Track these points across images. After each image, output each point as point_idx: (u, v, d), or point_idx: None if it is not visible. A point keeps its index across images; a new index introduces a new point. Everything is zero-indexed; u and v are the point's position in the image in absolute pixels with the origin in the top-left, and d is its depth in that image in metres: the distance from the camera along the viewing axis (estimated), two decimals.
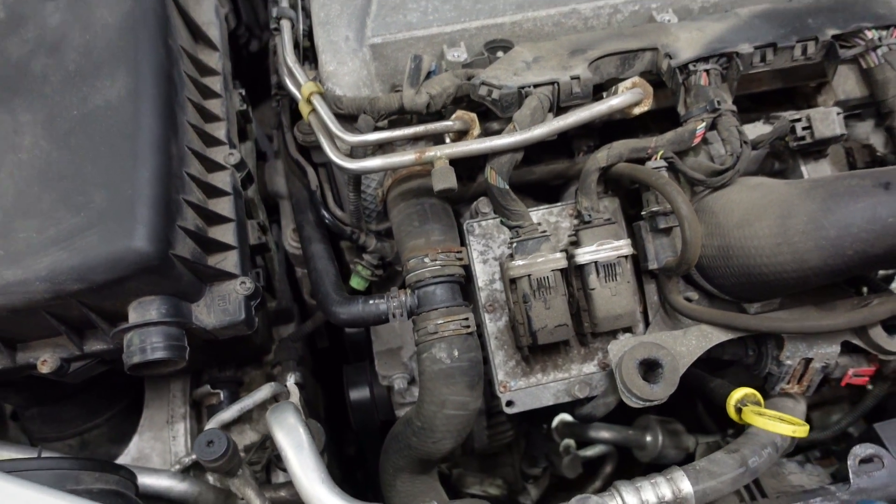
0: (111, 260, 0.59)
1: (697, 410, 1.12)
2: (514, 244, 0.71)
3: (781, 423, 0.61)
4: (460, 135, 0.72)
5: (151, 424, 0.88)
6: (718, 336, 0.70)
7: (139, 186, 0.61)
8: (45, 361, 0.66)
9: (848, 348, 0.72)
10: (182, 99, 0.70)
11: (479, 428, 0.89)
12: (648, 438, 1.01)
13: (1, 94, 0.66)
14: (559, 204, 0.77)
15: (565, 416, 1.06)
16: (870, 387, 0.97)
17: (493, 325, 0.75)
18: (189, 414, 0.88)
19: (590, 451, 1.10)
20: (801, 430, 0.62)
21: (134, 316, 0.63)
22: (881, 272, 0.90)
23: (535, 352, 0.75)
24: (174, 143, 0.66)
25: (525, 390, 0.76)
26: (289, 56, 0.75)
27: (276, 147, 0.99)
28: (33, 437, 0.85)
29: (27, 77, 0.66)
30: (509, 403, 0.76)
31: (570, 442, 1.07)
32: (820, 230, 0.61)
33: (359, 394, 0.93)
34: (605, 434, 1.02)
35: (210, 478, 0.83)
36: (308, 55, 0.83)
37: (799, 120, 0.73)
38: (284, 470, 0.77)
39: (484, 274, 0.75)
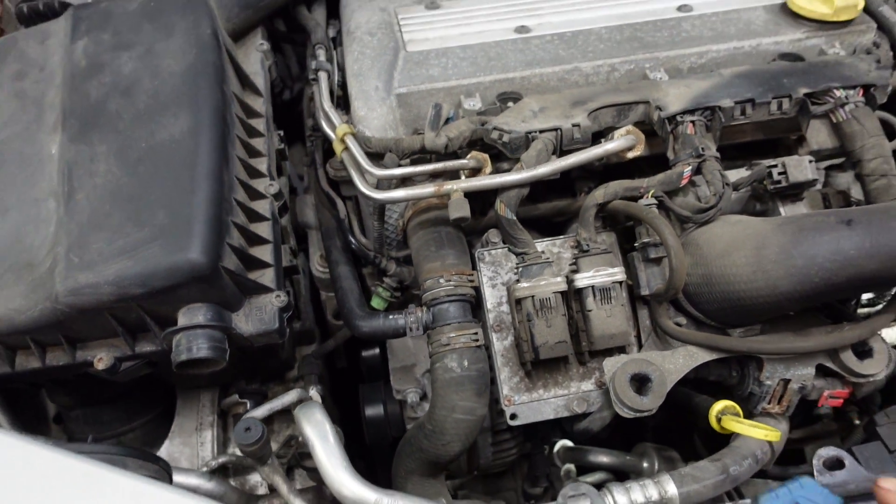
0: (170, 269, 0.68)
1: (693, 442, 1.17)
2: (520, 269, 0.80)
3: (755, 429, 0.68)
4: (474, 172, 0.82)
5: (181, 431, 0.95)
6: (703, 356, 0.77)
7: (196, 207, 0.71)
8: (101, 359, 0.74)
9: (823, 372, 0.79)
10: (232, 136, 0.81)
11: (485, 444, 0.95)
12: (645, 464, 1.06)
13: (81, 128, 0.77)
14: (561, 237, 0.85)
15: (566, 442, 1.12)
16: (857, 421, 1.03)
17: (500, 344, 0.83)
18: (216, 422, 0.96)
19: (590, 478, 1.14)
20: (772, 435, 0.68)
21: (183, 320, 0.72)
22: (864, 296, 0.97)
23: (538, 368, 0.83)
24: (225, 173, 0.76)
25: (528, 404, 0.83)
26: (325, 102, 0.86)
27: (306, 183, 1.09)
28: (74, 437, 0.92)
29: (104, 114, 0.77)
30: (513, 416, 0.82)
31: (570, 467, 1.12)
32: (789, 259, 0.70)
33: (373, 410, 1.00)
34: (604, 459, 1.07)
35: (232, 482, 0.91)
36: (340, 103, 0.94)
37: (775, 166, 0.82)
38: (307, 469, 0.84)
39: (492, 297, 0.84)
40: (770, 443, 0.74)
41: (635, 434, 1.10)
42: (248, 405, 0.94)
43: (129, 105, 0.78)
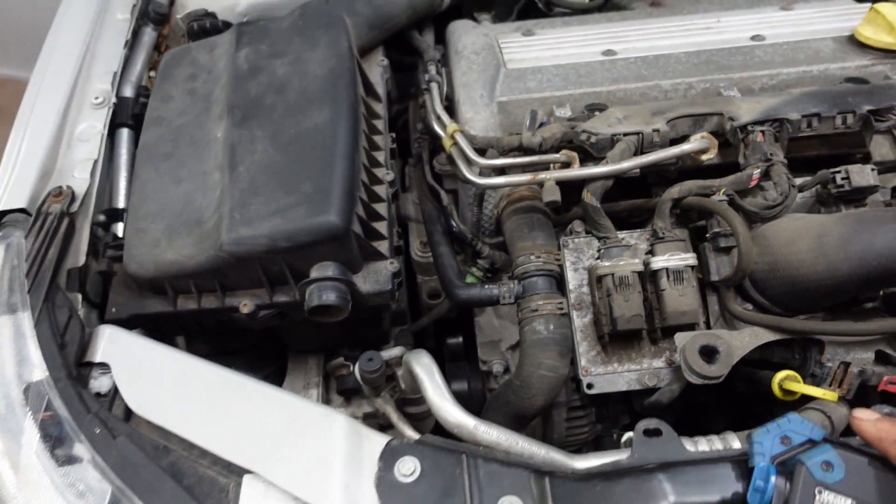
0: (312, 228, 0.83)
1: None
2: (602, 251, 0.91)
3: (815, 388, 0.76)
4: (564, 166, 0.94)
5: (290, 388, 1.08)
6: (767, 336, 0.85)
7: (334, 180, 0.86)
8: (246, 305, 0.89)
9: (884, 360, 0.86)
10: (360, 129, 0.97)
11: (559, 419, 1.05)
12: None
13: (243, 117, 0.94)
14: (638, 230, 0.96)
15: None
16: None
17: (580, 321, 0.94)
18: (321, 383, 1.09)
19: None
20: (830, 395, 0.76)
21: (315, 273, 0.86)
22: None
23: (613, 344, 0.92)
24: (356, 157, 0.91)
25: (603, 376, 0.93)
26: (438, 106, 1.02)
27: (407, 183, 1.24)
28: None
29: (261, 107, 0.95)
30: (589, 385, 0.92)
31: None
32: (849, 245, 0.78)
33: (458, 385, 1.11)
34: None
35: None
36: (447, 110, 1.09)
37: (839, 171, 0.91)
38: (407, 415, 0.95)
39: (574, 279, 0.95)
40: (830, 418, 0.81)
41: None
42: (351, 367, 1.07)
43: (281, 100, 0.95)
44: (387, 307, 1.01)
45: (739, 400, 1.02)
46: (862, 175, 0.90)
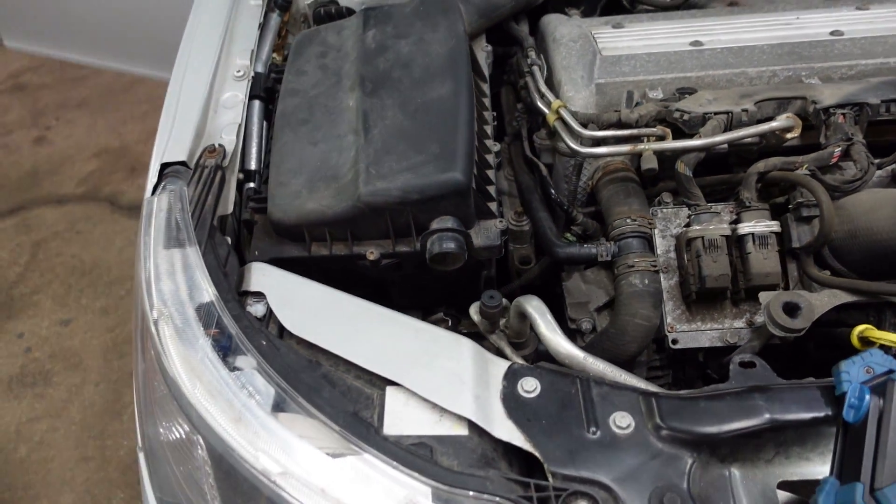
0: (440, 182, 0.94)
1: None
2: (693, 216, 1.01)
3: (893, 334, 0.84)
4: (658, 140, 1.05)
5: None
6: (845, 297, 0.94)
7: (458, 142, 0.97)
8: (373, 252, 1.01)
9: None
10: (474, 102, 1.08)
11: (640, 376, 1.14)
12: None
13: (374, 88, 1.07)
14: (723, 203, 1.06)
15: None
16: None
17: (667, 283, 1.04)
18: None
19: None
20: None
21: (436, 225, 0.98)
22: None
23: (698, 304, 1.02)
24: (473, 126, 1.03)
25: (687, 333, 1.02)
26: (542, 85, 1.13)
27: (500, 160, 1.35)
28: None
29: (389, 79, 1.07)
30: (674, 341, 1.02)
31: None
32: None
33: None
34: None
35: None
36: None
37: None
38: None
39: (662, 245, 1.05)
40: None
41: None
42: (449, 322, 1.19)
43: (407, 74, 1.07)
44: (486, 266, 1.12)
45: (806, 371, 1.11)
46: None
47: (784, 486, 0.72)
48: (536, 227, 1.11)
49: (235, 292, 0.92)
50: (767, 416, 0.73)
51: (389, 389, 0.82)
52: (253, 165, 1.16)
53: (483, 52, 1.25)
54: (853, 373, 0.71)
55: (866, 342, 0.87)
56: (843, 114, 1.02)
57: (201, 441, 0.81)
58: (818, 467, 0.73)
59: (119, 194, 3.38)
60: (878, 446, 0.64)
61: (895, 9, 1.24)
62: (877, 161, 1.00)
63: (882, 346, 0.88)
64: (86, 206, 3.29)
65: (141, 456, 0.97)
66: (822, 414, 0.72)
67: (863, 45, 1.15)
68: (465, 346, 0.84)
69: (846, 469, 0.66)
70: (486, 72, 1.23)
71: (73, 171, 3.46)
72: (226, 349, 0.86)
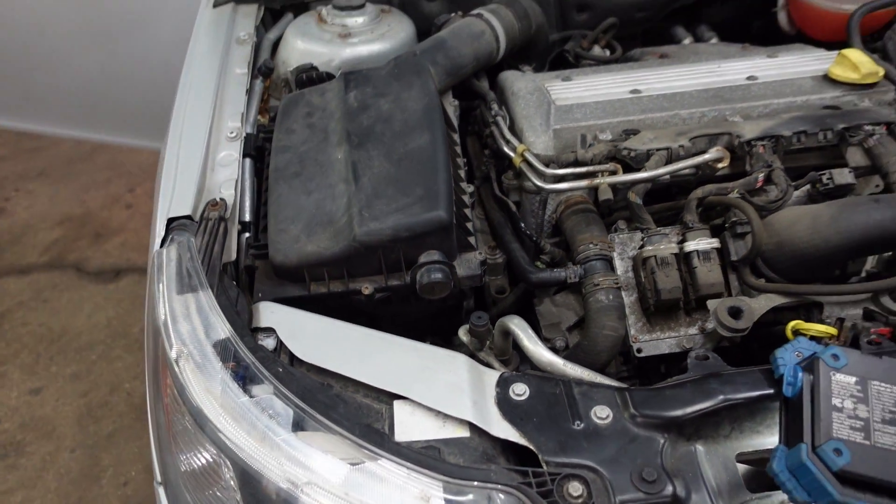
0: (426, 220, 1.07)
1: None
2: (646, 239, 1.16)
3: (818, 325, 0.99)
4: (611, 175, 1.20)
5: None
6: (778, 300, 1.09)
7: (440, 185, 1.11)
8: (367, 287, 1.12)
9: (869, 316, 1.10)
10: (449, 149, 1.23)
11: None
12: None
13: (359, 141, 1.20)
14: (670, 227, 1.21)
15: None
16: None
17: (628, 299, 1.17)
18: None
19: None
20: (830, 330, 0.99)
21: (424, 259, 1.10)
22: None
23: (656, 315, 1.16)
24: (450, 170, 1.17)
25: (649, 342, 1.16)
26: (507, 133, 1.29)
27: (472, 199, 1.49)
28: None
29: (373, 133, 1.21)
30: (638, 350, 1.15)
31: None
32: (837, 223, 1.03)
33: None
34: None
35: None
36: None
37: (825, 174, 1.17)
38: None
39: (621, 266, 1.19)
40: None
41: None
42: None
43: (388, 128, 1.21)
44: (467, 296, 1.24)
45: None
46: (842, 176, 1.17)
47: (740, 456, 0.84)
48: (510, 258, 1.25)
49: (248, 329, 1.02)
50: (721, 396, 0.86)
51: (396, 403, 0.92)
52: (248, 217, 1.27)
53: (451, 107, 1.40)
54: (786, 357, 0.85)
55: (798, 334, 1.02)
56: (763, 145, 1.20)
57: (228, 463, 0.89)
58: (767, 438, 0.86)
59: (85, 260, 3.39)
60: (813, 413, 0.77)
61: (798, 56, 1.45)
62: (794, 183, 1.18)
63: (812, 337, 1.03)
64: (51, 274, 3.29)
65: (161, 490, 1.04)
66: (766, 392, 0.86)
67: (774, 87, 1.35)
68: (461, 360, 0.96)
69: (791, 436, 0.79)
70: (455, 123, 1.38)
71: (36, 240, 3.46)
72: (244, 379, 0.95)
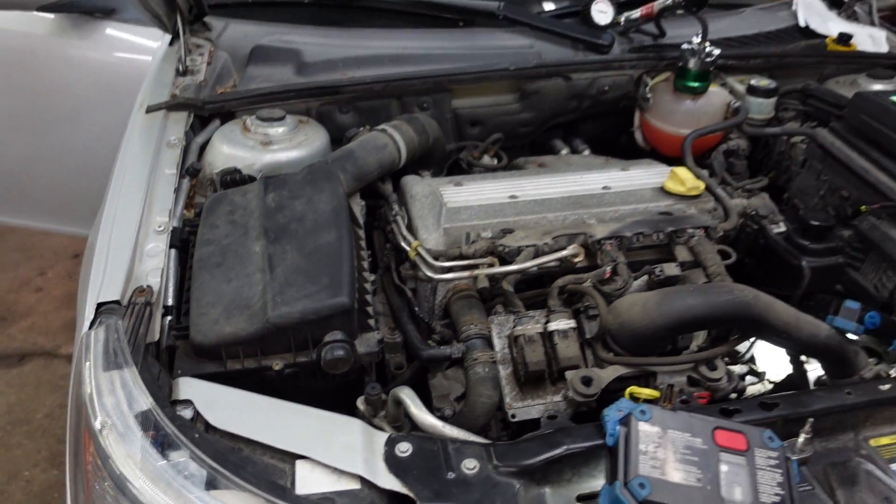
0: (330, 305, 1.26)
1: None
2: (517, 320, 1.39)
3: (646, 390, 1.23)
4: (490, 266, 1.45)
5: None
6: (622, 370, 1.34)
7: (343, 274, 1.31)
8: (277, 364, 1.29)
9: (693, 382, 1.35)
10: (353, 244, 1.44)
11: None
12: None
13: (275, 237, 1.39)
14: (538, 310, 1.46)
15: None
16: None
17: (504, 372, 1.39)
18: None
19: None
20: (653, 394, 1.23)
21: (329, 338, 1.28)
22: None
23: (527, 385, 1.38)
24: (353, 262, 1.38)
25: (521, 408, 1.36)
26: (404, 230, 1.52)
27: (374, 287, 1.70)
28: None
29: (287, 230, 1.40)
30: (513, 416, 1.36)
31: None
32: (661, 307, 1.30)
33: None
34: None
35: None
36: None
37: (657, 267, 1.46)
38: None
39: (499, 344, 1.41)
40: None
41: None
42: None
43: (301, 226, 1.41)
44: (367, 372, 1.42)
45: None
46: (670, 269, 1.46)
47: (579, 497, 1.05)
48: (406, 337, 1.45)
49: (168, 401, 1.15)
50: (564, 447, 1.07)
51: (298, 462, 1.08)
52: (171, 302, 1.42)
53: (358, 206, 1.63)
54: (611, 414, 1.08)
55: (633, 397, 1.26)
56: (610, 243, 1.48)
57: None
58: (599, 481, 1.07)
59: None
60: (625, 456, 0.99)
61: (644, 170, 1.79)
62: (634, 274, 1.46)
63: (647, 401, 1.27)
64: None
65: None
66: (598, 442, 1.07)
67: (622, 196, 1.66)
68: (356, 424, 1.13)
69: (612, 476, 1.00)
70: (361, 221, 1.60)
71: None
72: (163, 445, 1.08)
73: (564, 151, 2.20)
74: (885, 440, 1.14)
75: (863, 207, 1.63)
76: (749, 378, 1.62)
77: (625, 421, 1.03)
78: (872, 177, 1.66)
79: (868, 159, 1.70)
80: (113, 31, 2.92)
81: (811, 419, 1.06)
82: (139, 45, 2.69)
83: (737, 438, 1.00)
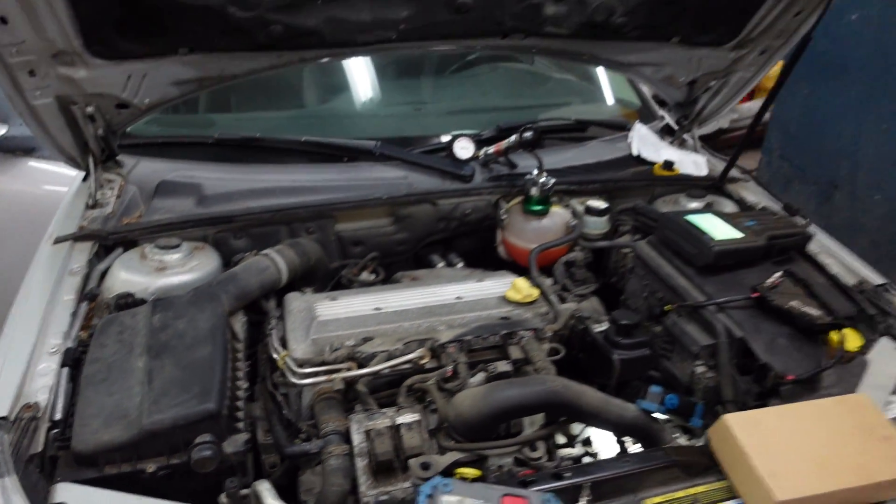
0: (199, 411, 1.46)
1: None
2: (370, 416, 1.61)
3: (468, 470, 1.45)
4: (349, 370, 1.68)
5: None
6: (458, 455, 1.56)
7: (213, 384, 1.52)
8: (151, 466, 1.46)
9: (520, 462, 1.59)
10: (228, 357, 1.66)
11: None
12: None
13: (158, 353, 1.60)
14: (390, 408, 1.68)
15: None
16: None
17: (361, 463, 1.58)
18: None
19: None
20: (472, 472, 1.45)
21: (199, 440, 1.47)
22: None
23: (380, 474, 1.58)
24: (226, 373, 1.59)
25: (374, 495, 1.56)
26: (276, 342, 1.75)
27: (248, 392, 1.89)
28: None
29: (169, 347, 1.61)
30: (367, 502, 1.55)
31: None
32: (486, 399, 1.55)
33: None
34: None
35: None
36: (283, 344, 1.82)
37: (491, 365, 1.72)
38: None
39: (357, 439, 1.61)
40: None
41: None
42: None
43: (181, 342, 1.63)
44: (238, 471, 1.60)
45: None
46: (503, 366, 1.73)
47: None
48: (274, 438, 1.64)
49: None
50: None
51: None
52: (59, 416, 1.58)
53: (239, 323, 1.86)
54: (424, 490, 1.30)
55: (461, 477, 1.48)
56: (453, 346, 1.75)
57: None
58: None
59: None
60: None
61: (496, 281, 2.10)
62: (473, 371, 1.72)
63: (474, 479, 1.50)
64: None
65: None
66: None
67: (471, 305, 1.95)
68: None
69: None
70: (242, 336, 1.83)
71: None
72: None
73: (441, 265, 2.51)
74: (657, 499, 1.39)
75: (667, 307, 1.98)
76: (586, 458, 1.86)
77: (431, 494, 1.26)
78: (674, 281, 2.02)
79: (672, 266, 2.07)
80: (36, 164, 3.16)
81: (589, 484, 1.31)
82: (64, 177, 2.92)
83: (520, 502, 1.24)
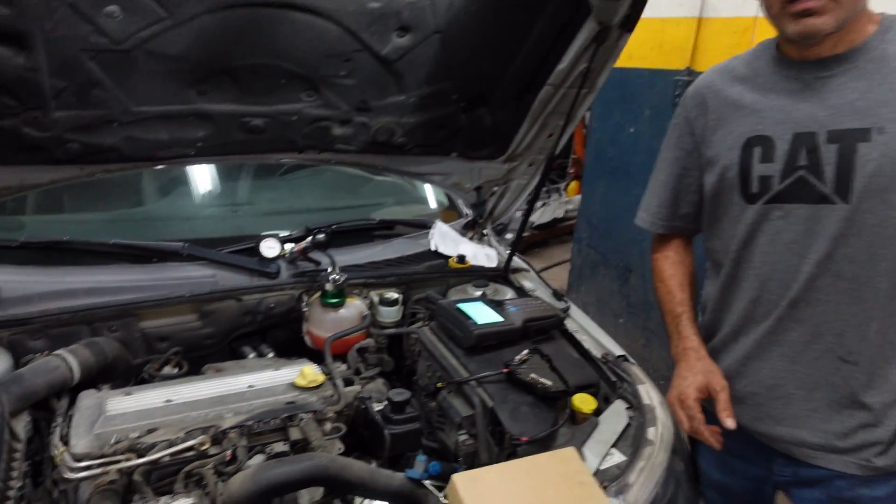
0: None
1: None
2: None
3: None
4: (126, 462, 1.79)
5: None
6: None
7: None
8: None
9: None
10: (4, 457, 1.71)
11: None
12: None
13: None
14: (169, 495, 1.80)
15: None
16: None
17: None
18: None
19: None
20: None
21: None
22: None
23: None
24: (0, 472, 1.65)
25: None
26: (57, 440, 1.82)
27: (23, 491, 1.92)
28: None
29: None
30: None
31: None
32: (253, 478, 1.72)
33: None
34: None
35: None
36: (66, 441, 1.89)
37: (268, 447, 1.90)
38: None
39: None
40: None
41: None
42: None
43: None
44: None
45: None
46: (279, 447, 1.92)
47: None
48: None
49: None
50: None
51: None
52: None
53: (22, 423, 1.91)
54: None
55: None
56: (234, 431, 1.92)
57: None
58: None
59: None
60: None
61: (291, 369, 2.30)
62: (251, 454, 1.89)
63: None
64: None
65: None
66: None
67: (260, 392, 2.13)
68: None
69: None
70: (24, 435, 1.88)
71: None
72: None
73: (252, 355, 2.67)
74: None
75: (439, 384, 2.28)
76: None
77: None
78: (447, 361, 2.34)
79: (446, 348, 2.39)
80: None
81: None
82: None
83: None
